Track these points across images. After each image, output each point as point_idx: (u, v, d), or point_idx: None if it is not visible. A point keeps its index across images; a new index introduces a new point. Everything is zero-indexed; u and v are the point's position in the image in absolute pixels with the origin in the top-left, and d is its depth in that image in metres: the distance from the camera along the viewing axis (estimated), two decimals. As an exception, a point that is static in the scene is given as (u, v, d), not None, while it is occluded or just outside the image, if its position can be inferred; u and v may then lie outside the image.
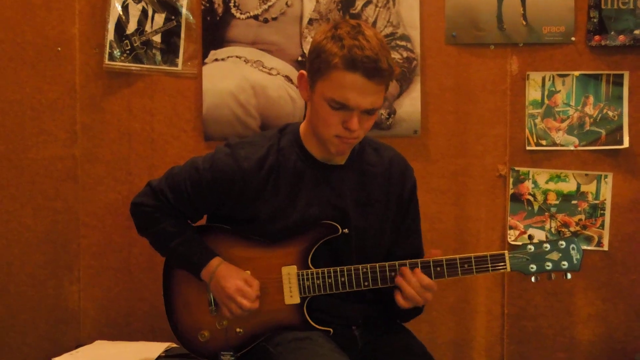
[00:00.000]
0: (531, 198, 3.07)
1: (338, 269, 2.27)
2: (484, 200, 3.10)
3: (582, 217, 3.06)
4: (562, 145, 3.05)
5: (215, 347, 2.36)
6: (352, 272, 2.27)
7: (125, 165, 3.14)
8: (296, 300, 2.30)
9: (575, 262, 2.24)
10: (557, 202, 3.07)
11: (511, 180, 3.08)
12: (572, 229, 3.06)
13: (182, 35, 3.09)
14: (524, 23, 3.03)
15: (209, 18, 3.09)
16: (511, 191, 3.08)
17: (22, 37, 3.13)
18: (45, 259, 3.19)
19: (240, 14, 3.09)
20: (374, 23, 3.04)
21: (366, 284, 2.27)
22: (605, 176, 3.05)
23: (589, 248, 3.05)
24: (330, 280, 2.28)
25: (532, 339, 3.12)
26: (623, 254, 3.07)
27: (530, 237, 2.28)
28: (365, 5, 3.05)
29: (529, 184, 3.07)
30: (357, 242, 2.34)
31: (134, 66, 3.10)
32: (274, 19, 3.08)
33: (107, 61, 3.10)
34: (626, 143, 3.03)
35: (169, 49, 3.10)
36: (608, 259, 3.07)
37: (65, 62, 3.13)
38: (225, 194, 2.31)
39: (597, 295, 3.10)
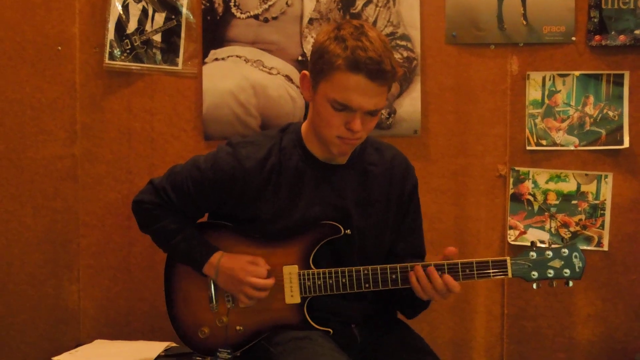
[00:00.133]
0: (531, 198, 3.07)
1: (339, 270, 2.27)
2: (484, 200, 3.10)
3: (582, 217, 3.06)
4: (562, 145, 3.05)
5: (215, 344, 2.37)
6: (354, 273, 2.27)
7: (125, 165, 3.14)
8: (297, 299, 2.31)
9: (577, 270, 2.23)
10: (557, 202, 3.07)
11: (511, 180, 3.08)
12: (572, 229, 3.06)
13: (183, 34, 3.09)
14: (524, 23, 3.03)
15: (209, 17, 3.09)
16: (511, 191, 3.08)
17: (22, 36, 3.13)
18: (45, 259, 3.18)
19: (241, 13, 3.08)
20: (374, 23, 3.04)
21: (367, 285, 2.27)
22: (606, 176, 3.05)
23: (589, 248, 3.05)
24: (331, 281, 2.28)
25: (532, 339, 3.12)
26: (623, 254, 3.07)
27: (533, 244, 2.26)
28: (365, 4, 3.05)
29: (529, 184, 3.07)
30: (358, 242, 2.34)
31: (134, 65, 3.10)
32: (274, 18, 3.08)
33: (107, 60, 3.09)
34: (626, 143, 3.03)
35: (169, 49, 3.09)
36: (608, 259, 3.08)
37: (65, 62, 3.13)
38: (226, 193, 2.32)
39: (597, 295, 3.10)
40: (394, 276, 2.26)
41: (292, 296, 2.31)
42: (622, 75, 3.02)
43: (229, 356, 2.32)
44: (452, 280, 2.22)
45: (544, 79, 3.05)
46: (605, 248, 3.07)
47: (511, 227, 3.08)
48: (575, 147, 3.05)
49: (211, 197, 2.35)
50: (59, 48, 3.12)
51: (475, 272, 2.23)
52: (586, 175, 3.06)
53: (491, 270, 2.23)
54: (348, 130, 2.18)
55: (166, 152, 3.13)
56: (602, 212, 3.06)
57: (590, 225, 3.06)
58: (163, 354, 2.84)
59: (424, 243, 2.52)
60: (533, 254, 2.24)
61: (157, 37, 3.09)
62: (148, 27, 3.09)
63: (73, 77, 3.13)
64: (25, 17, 3.12)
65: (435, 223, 3.07)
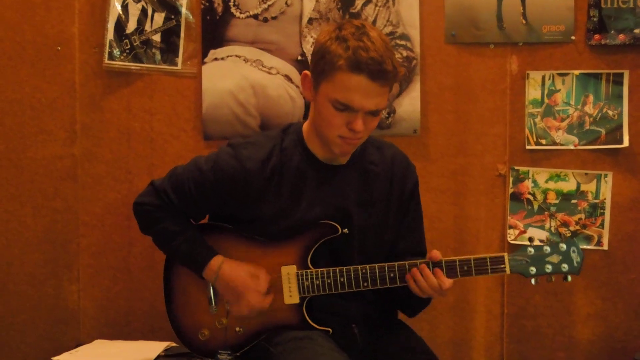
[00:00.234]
0: (531, 197, 3.07)
1: (337, 269, 2.28)
2: (483, 199, 3.10)
3: (582, 216, 3.06)
4: (561, 145, 3.05)
5: (215, 346, 2.36)
6: (352, 272, 2.27)
7: (124, 165, 3.14)
8: (295, 300, 2.31)
9: (575, 265, 2.24)
10: (557, 201, 3.07)
11: (511, 179, 3.08)
12: (571, 228, 3.06)
13: (182, 34, 3.09)
14: (524, 22, 3.03)
15: (208, 17, 3.09)
16: (511, 190, 3.08)
17: (22, 36, 3.13)
18: (45, 258, 3.18)
19: (240, 13, 3.08)
20: (374, 22, 3.04)
21: (365, 284, 2.27)
22: (605, 175, 3.05)
23: (588, 247, 3.05)
24: (329, 281, 2.28)
25: (532, 338, 3.12)
26: (623, 253, 3.07)
27: (531, 240, 2.27)
28: (365, 4, 3.05)
29: (528, 183, 3.07)
30: (359, 241, 2.34)
31: (134, 65, 3.10)
32: (274, 18, 3.08)
33: (106, 60, 3.09)
34: (626, 142, 3.02)
35: (169, 48, 3.09)
36: (608, 258, 3.07)
37: (64, 62, 3.13)
38: (228, 194, 2.31)
39: (596, 294, 3.09)
40: (392, 274, 2.26)
41: (291, 296, 2.31)
42: (621, 75, 3.02)
43: (229, 357, 2.31)
44: (441, 274, 2.22)
45: (543, 78, 3.04)
46: (605, 247, 3.06)
47: (511, 227, 3.08)
48: (575, 146, 3.04)
49: (213, 198, 2.35)
50: (59, 48, 3.12)
51: (473, 268, 2.23)
52: (586, 174, 3.05)
53: (489, 267, 2.23)
54: (350, 130, 2.18)
55: (166, 152, 3.13)
56: (601, 211, 3.05)
57: (590, 225, 3.06)
58: (163, 353, 2.84)
59: (425, 241, 2.52)
60: (531, 250, 2.25)
61: (157, 37, 3.09)
62: (147, 27, 3.09)
63: (72, 77, 3.13)
64: (24, 17, 3.12)
65: (435, 223, 3.07)
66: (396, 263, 2.26)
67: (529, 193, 3.07)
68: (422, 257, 2.35)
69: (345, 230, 2.29)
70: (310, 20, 3.07)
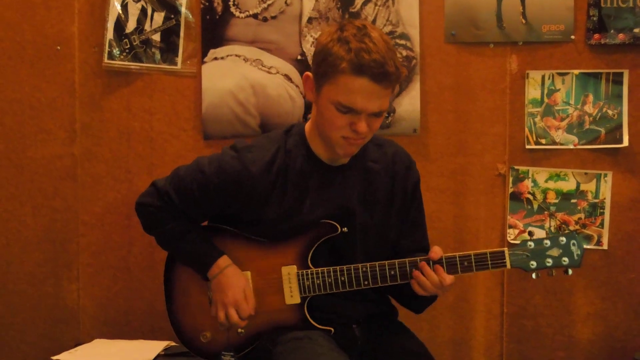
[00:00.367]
0: (531, 197, 3.07)
1: (338, 268, 2.27)
2: (483, 199, 3.10)
3: (582, 215, 3.06)
4: (561, 144, 3.05)
5: (217, 347, 2.36)
6: (352, 271, 2.27)
7: (124, 164, 3.14)
8: (296, 300, 2.30)
9: (576, 257, 2.24)
10: (557, 200, 3.07)
11: (511, 179, 3.08)
12: (571, 228, 3.06)
13: (182, 34, 3.09)
14: (524, 22, 3.03)
15: (208, 17, 3.09)
16: (510, 190, 3.08)
17: (22, 35, 3.13)
18: (45, 258, 3.18)
19: (240, 12, 3.08)
20: (374, 22, 3.04)
21: (366, 282, 2.27)
22: (605, 175, 3.05)
23: (588, 247, 3.05)
24: (330, 280, 2.28)
25: (532, 337, 3.12)
26: (622, 252, 3.07)
27: (531, 234, 2.27)
28: (364, 3, 3.05)
29: (528, 183, 3.07)
30: (361, 240, 2.34)
31: (133, 65, 3.10)
32: (273, 17, 3.08)
33: (106, 60, 3.09)
34: (626, 142, 3.02)
35: (168, 48, 3.09)
36: (607, 258, 3.07)
37: (64, 61, 3.13)
38: (232, 197, 2.30)
39: (596, 294, 3.10)
40: (392, 272, 2.26)
41: (292, 296, 2.31)
42: (621, 74, 3.02)
43: (233, 359, 2.31)
44: (442, 271, 2.22)
45: (543, 77, 3.05)
46: (605, 247, 3.07)
47: (511, 226, 3.08)
48: (575, 145, 3.05)
49: (216, 200, 2.34)
50: (58, 47, 3.13)
51: (474, 264, 2.23)
52: (585, 174, 3.06)
53: (490, 262, 2.23)
54: (353, 131, 2.18)
55: (165, 151, 3.13)
56: (601, 210, 3.06)
57: (590, 224, 3.06)
58: (162, 353, 2.85)
59: (427, 238, 2.51)
60: (531, 244, 2.25)
61: (156, 37, 3.09)
62: (147, 27, 3.09)
63: (72, 76, 3.13)
64: (24, 17, 3.12)
65: (435, 222, 3.07)
66: (396, 261, 2.26)
67: (529, 192, 3.07)
68: (424, 253, 2.35)
69: (345, 229, 2.29)
70: (310, 20, 3.07)
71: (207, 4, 3.08)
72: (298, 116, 3.07)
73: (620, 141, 3.03)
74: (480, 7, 3.04)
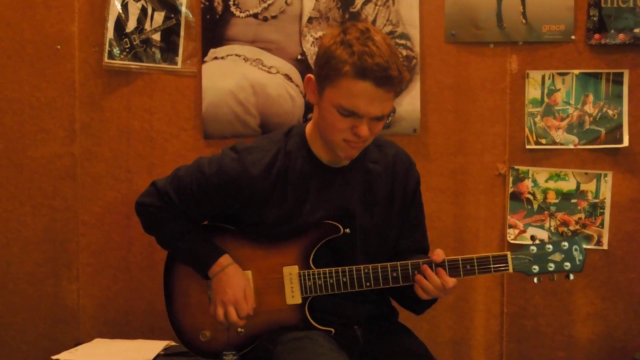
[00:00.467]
0: (531, 197, 3.07)
1: (340, 269, 2.27)
2: (483, 199, 3.10)
3: (582, 215, 3.06)
4: (561, 144, 3.05)
5: (216, 346, 2.36)
6: (354, 272, 2.27)
7: (124, 164, 3.14)
8: (298, 300, 2.30)
9: (578, 263, 2.24)
10: (557, 200, 3.07)
11: (511, 178, 3.08)
12: (571, 228, 3.06)
13: (182, 33, 3.09)
14: (524, 21, 3.03)
15: (208, 16, 3.09)
16: (511, 190, 3.08)
17: (22, 35, 3.12)
18: (44, 257, 3.18)
19: (240, 12, 3.08)
20: (374, 21, 3.04)
21: (368, 284, 2.27)
22: (605, 175, 3.05)
23: (588, 247, 3.05)
24: (331, 281, 2.28)
25: (531, 337, 3.12)
26: (622, 252, 3.08)
27: (533, 238, 2.27)
28: (364, 3, 3.05)
29: (528, 183, 3.07)
30: (362, 241, 2.34)
31: (134, 64, 3.09)
32: (274, 17, 3.08)
33: (106, 59, 3.09)
34: (626, 142, 3.03)
35: (169, 48, 3.09)
36: (607, 258, 3.08)
37: (64, 61, 3.13)
38: (232, 197, 2.31)
39: (596, 294, 3.10)
40: (394, 274, 2.26)
41: (293, 297, 2.31)
42: (621, 74, 3.03)
43: (235, 358, 2.31)
44: (444, 274, 2.22)
45: (543, 77, 3.05)
46: (605, 247, 3.07)
47: (511, 226, 3.08)
48: (575, 145, 3.05)
49: (216, 201, 2.34)
50: (58, 47, 3.12)
51: (476, 267, 2.23)
52: (586, 174, 3.06)
53: (492, 266, 2.23)
54: (354, 134, 2.18)
55: (165, 151, 3.13)
56: (601, 210, 3.06)
57: (590, 224, 3.06)
58: (162, 352, 2.84)
59: (427, 239, 2.52)
60: (533, 248, 2.25)
61: (157, 36, 3.09)
62: (147, 26, 3.08)
63: (72, 76, 3.13)
64: (24, 16, 3.12)
65: (435, 222, 3.07)
66: (399, 262, 2.26)
67: (529, 192, 3.07)
68: (424, 254, 2.35)
69: (347, 230, 2.29)
70: (310, 20, 3.07)
71: (207, 3, 3.08)
72: (298, 116, 3.07)
73: (621, 141, 3.03)
74: (480, 7, 3.04)
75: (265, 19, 3.08)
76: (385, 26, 3.04)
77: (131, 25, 3.08)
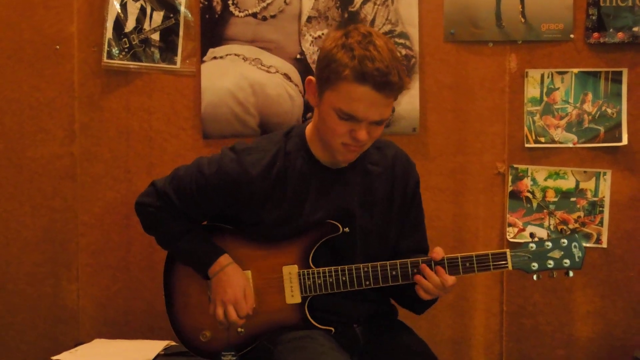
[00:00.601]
0: (530, 195, 3.07)
1: (339, 268, 2.27)
2: (482, 197, 3.10)
3: (581, 214, 3.07)
4: (560, 143, 3.05)
5: (217, 347, 2.36)
6: (354, 271, 2.27)
7: (123, 164, 3.14)
8: (297, 299, 2.30)
9: (577, 259, 2.24)
10: (556, 199, 3.07)
11: (510, 177, 3.08)
12: (570, 226, 3.06)
13: (181, 33, 3.09)
14: (523, 20, 3.03)
15: (207, 16, 3.09)
16: (510, 189, 3.08)
17: (20, 35, 3.12)
18: (44, 258, 3.18)
19: (239, 12, 3.08)
20: (373, 20, 3.04)
21: (367, 283, 2.27)
22: (604, 173, 3.05)
23: (587, 245, 3.05)
24: (331, 280, 2.28)
25: (531, 336, 3.13)
26: (622, 251, 3.08)
27: (532, 235, 2.28)
28: (364, 2, 3.05)
29: (527, 182, 3.07)
30: (361, 242, 2.34)
31: (133, 64, 3.09)
32: (273, 16, 3.08)
33: (105, 59, 3.09)
34: (625, 140, 3.03)
35: (168, 47, 3.09)
36: (607, 256, 3.08)
37: (63, 61, 3.13)
38: (232, 198, 2.30)
39: (595, 292, 3.10)
40: (394, 272, 2.26)
41: (293, 296, 2.31)
42: (620, 73, 3.03)
43: (234, 358, 2.31)
44: (443, 272, 2.22)
45: (542, 76, 3.05)
46: (604, 245, 3.07)
47: (510, 225, 3.08)
48: (574, 144, 3.05)
49: (215, 201, 2.34)
50: (57, 47, 3.12)
51: (475, 265, 2.23)
52: (585, 172, 3.06)
53: (491, 263, 2.23)
54: (353, 138, 2.17)
55: (165, 150, 3.13)
56: (600, 209, 3.06)
57: (589, 223, 3.07)
58: (162, 352, 2.84)
59: (427, 239, 2.52)
60: (532, 246, 2.25)
61: (156, 36, 3.09)
62: (146, 26, 3.08)
63: (71, 76, 3.13)
64: (23, 16, 3.12)
65: (434, 221, 3.07)
66: (398, 261, 2.26)
67: (528, 191, 3.07)
68: (424, 254, 2.35)
69: (347, 229, 2.29)
70: (309, 19, 3.07)
71: (206, 3, 3.08)
72: (297, 115, 3.07)
73: (620, 140, 3.03)
74: (479, 6, 3.04)
75: (264, 19, 3.08)
76: (384, 25, 3.04)
77: (130, 25, 3.08)
